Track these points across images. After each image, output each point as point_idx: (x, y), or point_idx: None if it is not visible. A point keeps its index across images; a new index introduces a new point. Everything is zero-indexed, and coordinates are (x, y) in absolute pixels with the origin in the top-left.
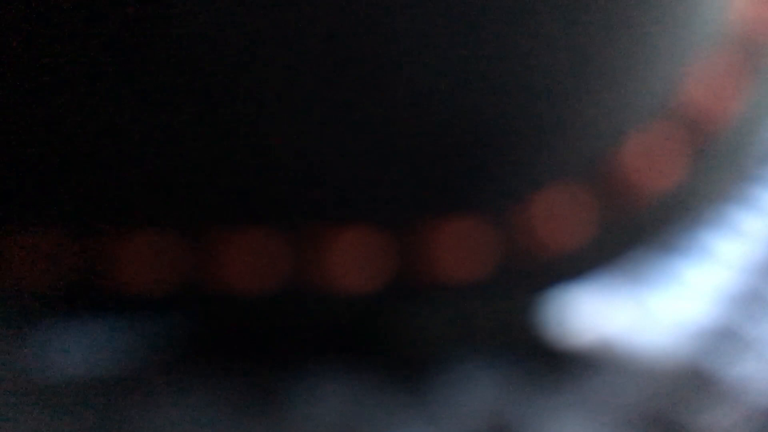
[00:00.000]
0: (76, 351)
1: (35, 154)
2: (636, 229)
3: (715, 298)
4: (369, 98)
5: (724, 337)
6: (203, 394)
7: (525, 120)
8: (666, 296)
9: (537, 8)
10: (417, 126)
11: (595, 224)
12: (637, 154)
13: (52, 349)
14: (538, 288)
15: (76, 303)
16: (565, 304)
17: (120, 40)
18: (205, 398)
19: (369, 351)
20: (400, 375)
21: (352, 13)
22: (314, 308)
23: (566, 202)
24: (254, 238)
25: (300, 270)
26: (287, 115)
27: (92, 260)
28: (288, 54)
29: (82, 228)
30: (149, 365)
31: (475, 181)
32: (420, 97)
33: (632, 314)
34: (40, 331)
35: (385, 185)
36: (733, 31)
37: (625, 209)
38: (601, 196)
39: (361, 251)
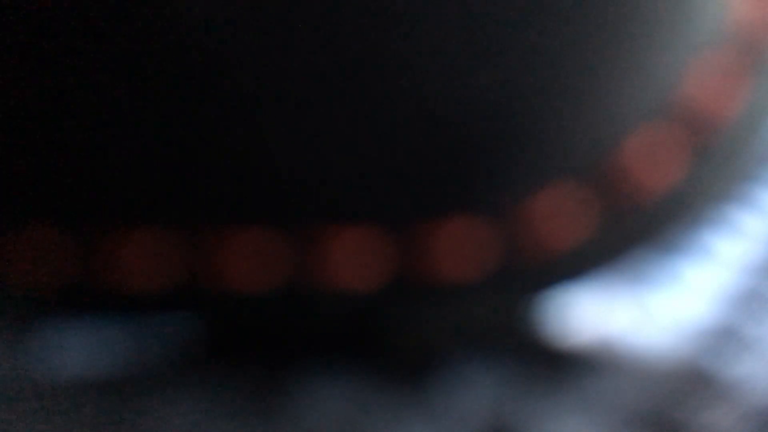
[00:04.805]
0: (76, 351)
1: (35, 154)
2: (636, 229)
3: (715, 298)
4: (369, 98)
5: (724, 337)
6: (203, 394)
7: (525, 120)
8: (666, 296)
9: (537, 8)
10: (417, 126)
11: (595, 224)
12: (637, 153)
13: (52, 349)
14: (538, 288)
15: (76, 303)
16: (565, 304)
17: (121, 40)
18: (206, 398)
19: (369, 351)
20: (400, 375)
21: (352, 13)
22: (314, 308)
23: (566, 202)
24: (254, 238)
25: (300, 270)
26: (287, 114)
27: (92, 260)
28: (288, 54)
29: (82, 228)
30: (149, 365)
31: (475, 181)
32: (420, 96)
33: (632, 314)
34: (40, 331)
35: (385, 185)
36: (733, 31)
37: (625, 209)
38: (601, 195)
39: (361, 251)
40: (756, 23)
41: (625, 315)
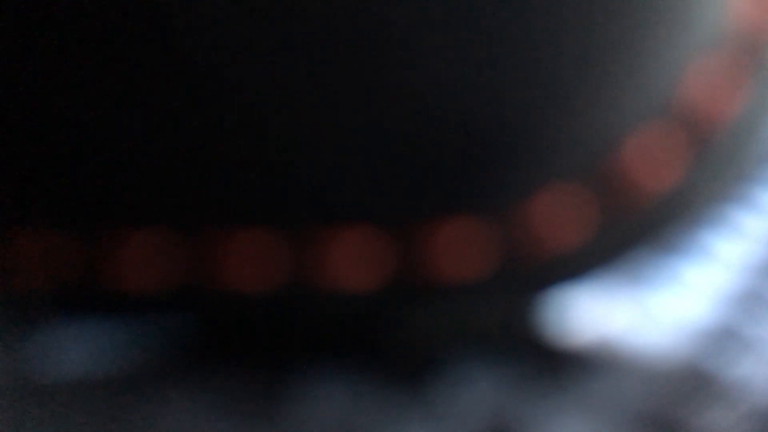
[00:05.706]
0: (76, 351)
1: (35, 155)
2: (636, 229)
3: (715, 298)
4: (369, 98)
5: (724, 337)
6: (203, 394)
7: (525, 120)
8: (666, 296)
9: (537, 9)
10: (417, 126)
11: (595, 224)
12: (637, 154)
13: (52, 349)
14: (538, 288)
15: (76, 303)
16: (565, 304)
17: (121, 40)
18: (205, 398)
19: (369, 351)
20: (400, 375)
21: (352, 14)
22: (314, 308)
23: (566, 202)
24: (254, 238)
25: (300, 270)
26: (287, 115)
27: (92, 260)
28: (289, 55)
29: (83, 228)
30: (149, 365)
31: (475, 181)
32: (420, 97)
33: (632, 314)
34: (40, 331)
35: (385, 185)
36: (733, 31)
37: (625, 209)
38: (601, 196)
39: (361, 251)
40: (756, 23)
41: (625, 315)
